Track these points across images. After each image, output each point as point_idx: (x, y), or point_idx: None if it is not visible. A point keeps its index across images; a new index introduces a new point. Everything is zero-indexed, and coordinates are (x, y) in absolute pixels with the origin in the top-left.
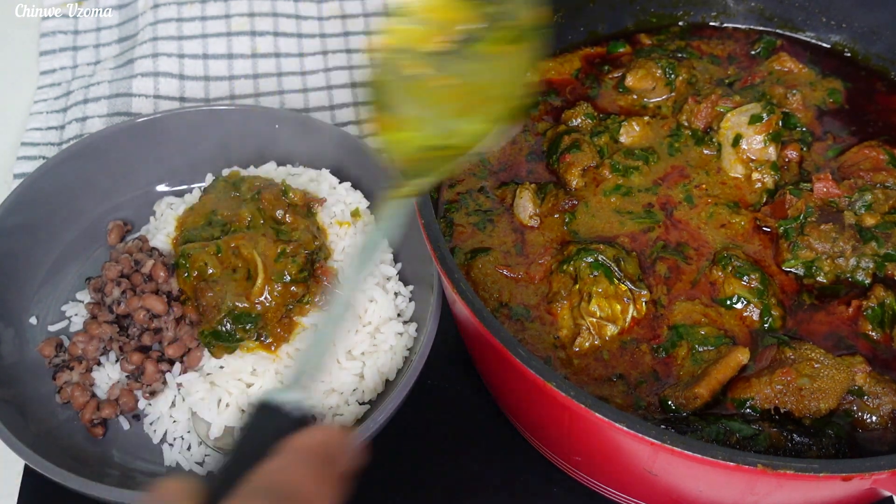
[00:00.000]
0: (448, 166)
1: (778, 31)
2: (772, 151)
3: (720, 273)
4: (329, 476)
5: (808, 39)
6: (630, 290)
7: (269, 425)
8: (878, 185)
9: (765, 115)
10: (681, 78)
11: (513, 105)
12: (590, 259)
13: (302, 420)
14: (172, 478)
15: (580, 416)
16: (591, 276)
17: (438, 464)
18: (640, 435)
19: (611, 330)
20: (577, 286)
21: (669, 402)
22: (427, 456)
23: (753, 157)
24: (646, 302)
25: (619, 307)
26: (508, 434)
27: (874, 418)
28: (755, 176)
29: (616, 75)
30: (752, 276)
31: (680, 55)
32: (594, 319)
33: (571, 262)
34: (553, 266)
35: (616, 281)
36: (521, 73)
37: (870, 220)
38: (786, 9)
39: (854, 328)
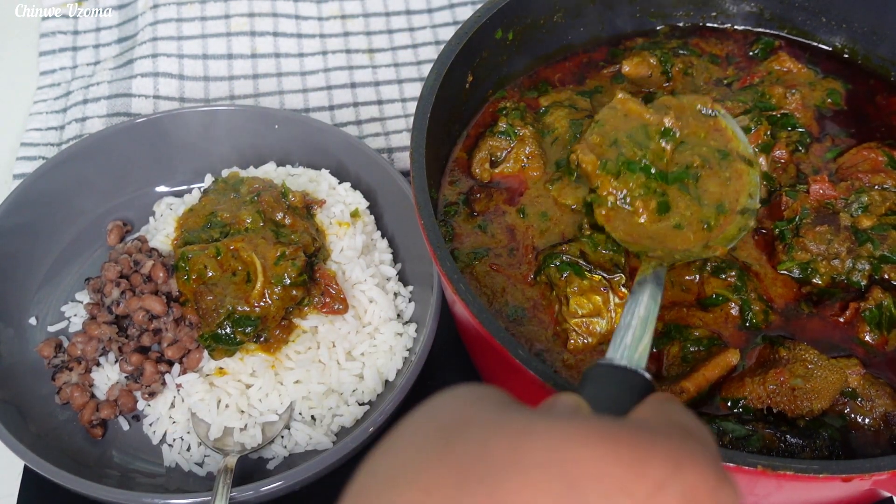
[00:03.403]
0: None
1: (777, 32)
2: (762, 162)
3: (696, 274)
4: (700, 421)
5: (808, 41)
6: (604, 278)
7: (624, 381)
8: (876, 187)
9: (753, 126)
10: (677, 68)
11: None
12: (556, 262)
13: (651, 384)
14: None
15: None
16: (563, 279)
17: None
18: None
19: (600, 324)
20: (555, 292)
21: None
22: None
23: None
24: (623, 285)
25: (598, 298)
26: None
27: (867, 420)
28: None
29: (611, 70)
30: (730, 273)
31: (681, 52)
32: (577, 320)
33: (543, 272)
34: (530, 278)
35: (587, 274)
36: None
37: (866, 222)
38: (785, 9)
39: (849, 333)
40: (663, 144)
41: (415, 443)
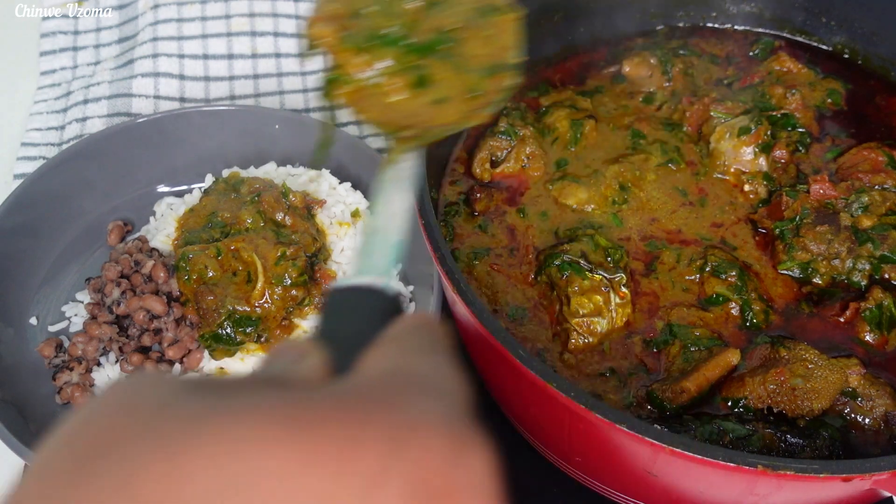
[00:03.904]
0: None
1: (777, 32)
2: (762, 162)
3: (697, 274)
4: (446, 363)
5: (808, 41)
6: (605, 278)
7: (365, 306)
8: (876, 187)
9: (753, 126)
10: (677, 68)
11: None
12: (557, 262)
13: (397, 301)
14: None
15: (580, 416)
16: (564, 279)
17: None
18: (641, 436)
19: (601, 324)
20: (555, 292)
21: (656, 395)
22: None
23: (745, 170)
24: (624, 285)
25: (599, 298)
26: (508, 434)
27: (867, 420)
28: (747, 188)
29: (612, 70)
30: (730, 273)
31: (681, 52)
32: (578, 319)
33: (543, 272)
34: (531, 278)
35: (588, 274)
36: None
37: (866, 222)
38: (785, 9)
39: (849, 333)
40: (412, 7)
41: (32, 492)
